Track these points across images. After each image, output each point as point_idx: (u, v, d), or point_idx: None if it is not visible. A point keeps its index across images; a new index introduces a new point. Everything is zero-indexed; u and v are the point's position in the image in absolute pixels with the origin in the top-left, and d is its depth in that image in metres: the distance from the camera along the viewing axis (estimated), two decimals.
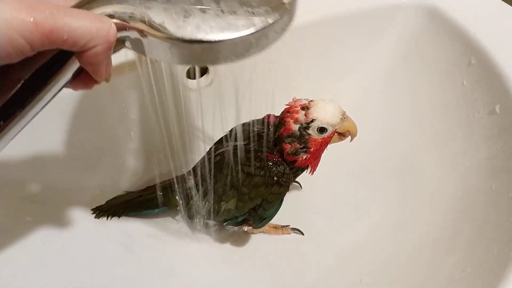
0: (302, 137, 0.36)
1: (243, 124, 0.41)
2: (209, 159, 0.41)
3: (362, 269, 0.42)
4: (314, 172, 0.40)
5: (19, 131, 0.23)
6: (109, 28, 0.21)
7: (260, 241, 0.46)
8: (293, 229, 0.47)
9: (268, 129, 0.39)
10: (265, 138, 0.39)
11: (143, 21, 0.22)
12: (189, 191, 0.42)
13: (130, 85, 0.41)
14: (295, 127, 0.36)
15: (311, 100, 0.36)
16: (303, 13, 0.47)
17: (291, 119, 0.36)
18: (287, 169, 0.37)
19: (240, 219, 0.41)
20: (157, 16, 0.22)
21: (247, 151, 0.39)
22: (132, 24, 0.22)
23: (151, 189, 0.45)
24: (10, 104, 0.22)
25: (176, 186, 0.42)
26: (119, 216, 0.45)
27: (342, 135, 0.37)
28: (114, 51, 0.23)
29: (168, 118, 0.38)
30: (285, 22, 0.24)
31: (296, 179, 0.44)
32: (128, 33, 0.23)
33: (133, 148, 0.47)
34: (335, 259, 0.44)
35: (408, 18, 0.51)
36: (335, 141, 0.38)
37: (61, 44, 0.20)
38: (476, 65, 0.44)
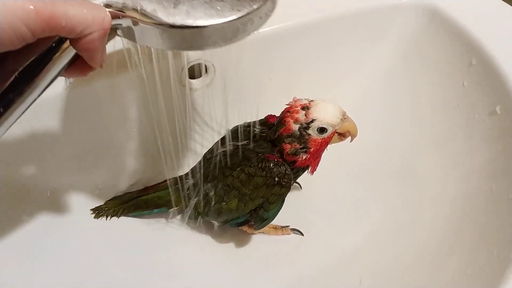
0: (302, 137, 0.36)
1: (244, 125, 0.41)
2: (210, 159, 0.41)
3: (362, 270, 0.42)
4: (314, 173, 0.40)
5: (18, 118, 0.24)
6: (104, 16, 0.23)
7: (260, 241, 0.46)
8: (293, 229, 0.47)
9: (269, 129, 0.39)
10: (265, 138, 0.39)
11: (135, 9, 0.24)
12: (189, 191, 0.42)
13: (130, 85, 0.41)
14: (295, 127, 0.36)
15: (312, 100, 0.36)
16: (304, 14, 0.47)
17: (291, 119, 0.36)
18: (288, 169, 0.37)
19: (241, 219, 0.41)
20: (149, 4, 0.24)
21: (247, 151, 0.39)
22: (125, 12, 0.24)
23: (150, 189, 0.45)
24: (9, 91, 0.23)
25: (175, 186, 0.42)
26: (118, 217, 0.45)
27: (342, 135, 0.37)
28: (108, 40, 0.24)
29: (167, 118, 0.38)
30: (269, 8, 0.26)
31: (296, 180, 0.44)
32: (121, 21, 0.24)
33: (133, 148, 0.47)
34: (334, 260, 0.44)
35: (408, 18, 0.50)
36: (335, 142, 0.38)
37: (60, 30, 0.21)
38: (477, 65, 0.44)
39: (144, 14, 0.24)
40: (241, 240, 0.46)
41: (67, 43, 0.23)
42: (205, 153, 0.43)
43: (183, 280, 0.42)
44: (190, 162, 0.44)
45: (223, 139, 0.42)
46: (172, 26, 0.24)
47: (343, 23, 0.49)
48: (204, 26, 0.24)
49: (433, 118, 0.48)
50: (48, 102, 0.38)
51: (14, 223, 0.40)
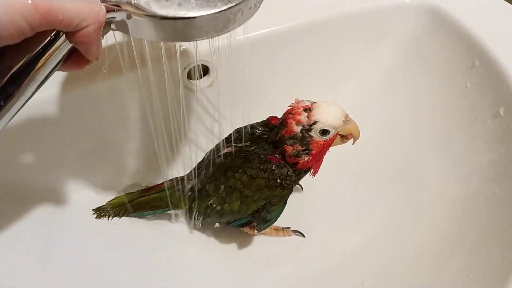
0: (304, 139, 0.36)
1: (246, 126, 0.40)
2: (211, 161, 0.40)
3: (364, 272, 0.42)
4: (316, 174, 0.39)
5: (17, 111, 0.25)
6: (99, 9, 0.23)
7: (261, 243, 0.46)
8: (294, 231, 0.46)
9: (271, 131, 0.39)
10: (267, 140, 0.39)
11: (129, 3, 0.25)
12: (190, 192, 0.42)
13: (130, 85, 0.41)
14: (297, 129, 0.36)
15: (314, 102, 0.36)
16: (305, 15, 0.47)
17: (293, 120, 0.36)
18: (291, 171, 0.37)
19: (243, 220, 0.41)
20: None
21: (249, 153, 0.38)
22: (120, 5, 0.25)
23: (152, 190, 0.45)
24: (7, 85, 0.23)
25: (177, 187, 0.42)
26: (120, 217, 0.45)
27: (344, 137, 0.37)
28: (102, 34, 0.25)
29: (168, 119, 0.38)
30: None
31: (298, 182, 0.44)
32: (116, 14, 0.25)
33: (134, 149, 0.47)
34: (335, 261, 0.44)
35: (410, 19, 0.50)
36: (337, 144, 0.38)
37: (57, 24, 0.22)
38: (480, 67, 0.44)
39: (137, 7, 0.25)
40: (242, 241, 0.46)
41: (64, 37, 0.24)
42: (206, 155, 0.43)
43: (183, 280, 0.42)
44: (192, 163, 0.44)
45: (224, 141, 0.42)
46: (165, 18, 0.25)
47: (344, 24, 0.49)
48: (196, 17, 0.25)
49: (434, 119, 0.48)
50: (49, 103, 0.38)
51: (14, 223, 0.39)
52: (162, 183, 0.44)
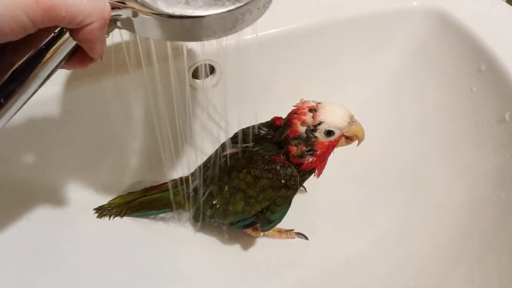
0: (308, 139, 0.35)
1: (250, 127, 0.40)
2: (215, 161, 0.40)
3: (367, 276, 0.41)
4: (320, 176, 0.39)
5: (19, 109, 0.24)
6: (103, 6, 0.23)
7: (264, 245, 0.45)
8: (298, 233, 0.46)
9: (275, 131, 0.38)
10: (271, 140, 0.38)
11: (135, 0, 0.24)
12: (194, 193, 0.42)
13: (135, 84, 0.41)
14: (302, 129, 0.35)
15: (319, 103, 0.36)
16: (312, 16, 0.47)
17: (298, 120, 0.35)
18: (295, 171, 0.37)
19: (247, 221, 0.41)
20: None
21: (254, 153, 0.38)
22: (125, 3, 0.24)
23: (154, 189, 0.45)
24: (9, 82, 0.23)
25: (180, 187, 0.42)
26: (121, 216, 0.44)
27: (349, 139, 0.37)
28: (107, 32, 0.25)
29: (172, 119, 0.38)
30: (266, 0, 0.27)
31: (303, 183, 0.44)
32: (121, 12, 0.24)
33: (137, 148, 0.47)
34: (339, 265, 0.43)
35: (416, 23, 0.50)
36: (342, 145, 0.37)
37: (60, 20, 0.21)
38: (486, 71, 0.43)
39: (143, 4, 0.24)
40: (245, 243, 0.45)
41: (67, 34, 0.23)
42: (211, 155, 0.42)
43: (185, 281, 0.42)
44: (196, 163, 0.44)
45: (228, 141, 0.41)
46: (172, 16, 0.24)
47: (351, 26, 0.49)
48: (204, 16, 0.24)
49: (440, 124, 0.48)
50: (53, 100, 0.38)
51: (16, 222, 0.39)
52: (165, 183, 0.44)
